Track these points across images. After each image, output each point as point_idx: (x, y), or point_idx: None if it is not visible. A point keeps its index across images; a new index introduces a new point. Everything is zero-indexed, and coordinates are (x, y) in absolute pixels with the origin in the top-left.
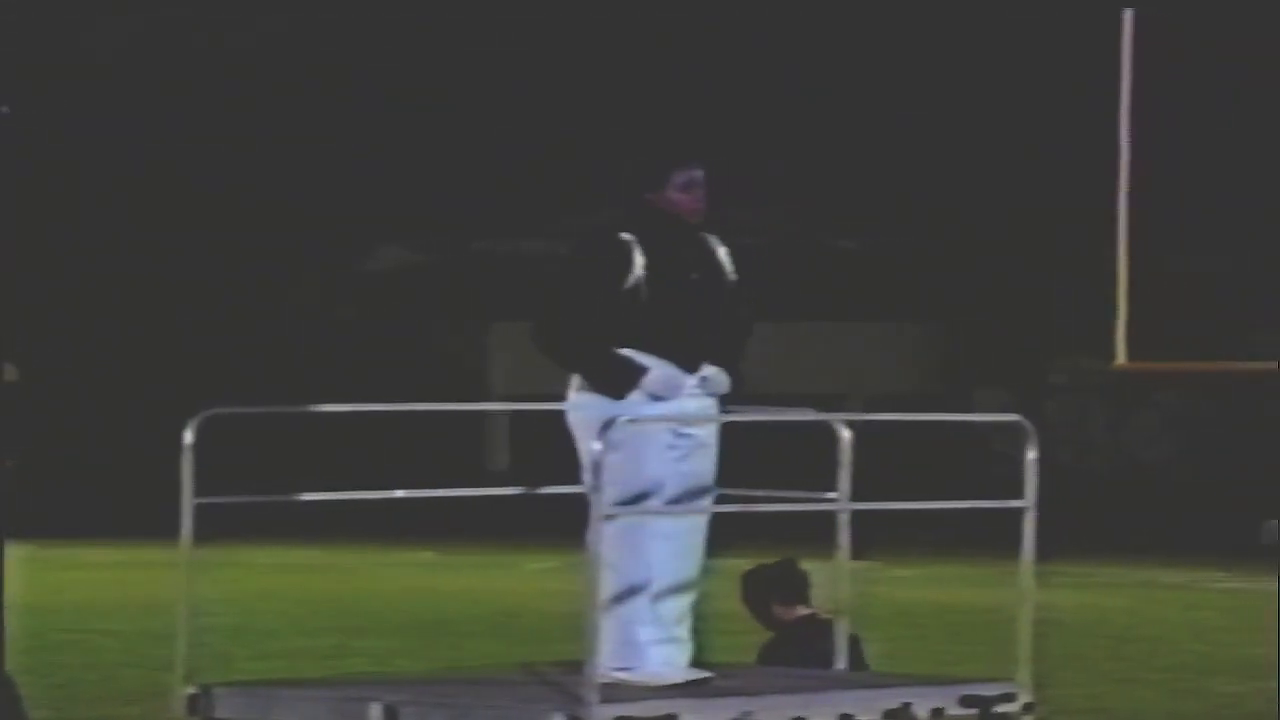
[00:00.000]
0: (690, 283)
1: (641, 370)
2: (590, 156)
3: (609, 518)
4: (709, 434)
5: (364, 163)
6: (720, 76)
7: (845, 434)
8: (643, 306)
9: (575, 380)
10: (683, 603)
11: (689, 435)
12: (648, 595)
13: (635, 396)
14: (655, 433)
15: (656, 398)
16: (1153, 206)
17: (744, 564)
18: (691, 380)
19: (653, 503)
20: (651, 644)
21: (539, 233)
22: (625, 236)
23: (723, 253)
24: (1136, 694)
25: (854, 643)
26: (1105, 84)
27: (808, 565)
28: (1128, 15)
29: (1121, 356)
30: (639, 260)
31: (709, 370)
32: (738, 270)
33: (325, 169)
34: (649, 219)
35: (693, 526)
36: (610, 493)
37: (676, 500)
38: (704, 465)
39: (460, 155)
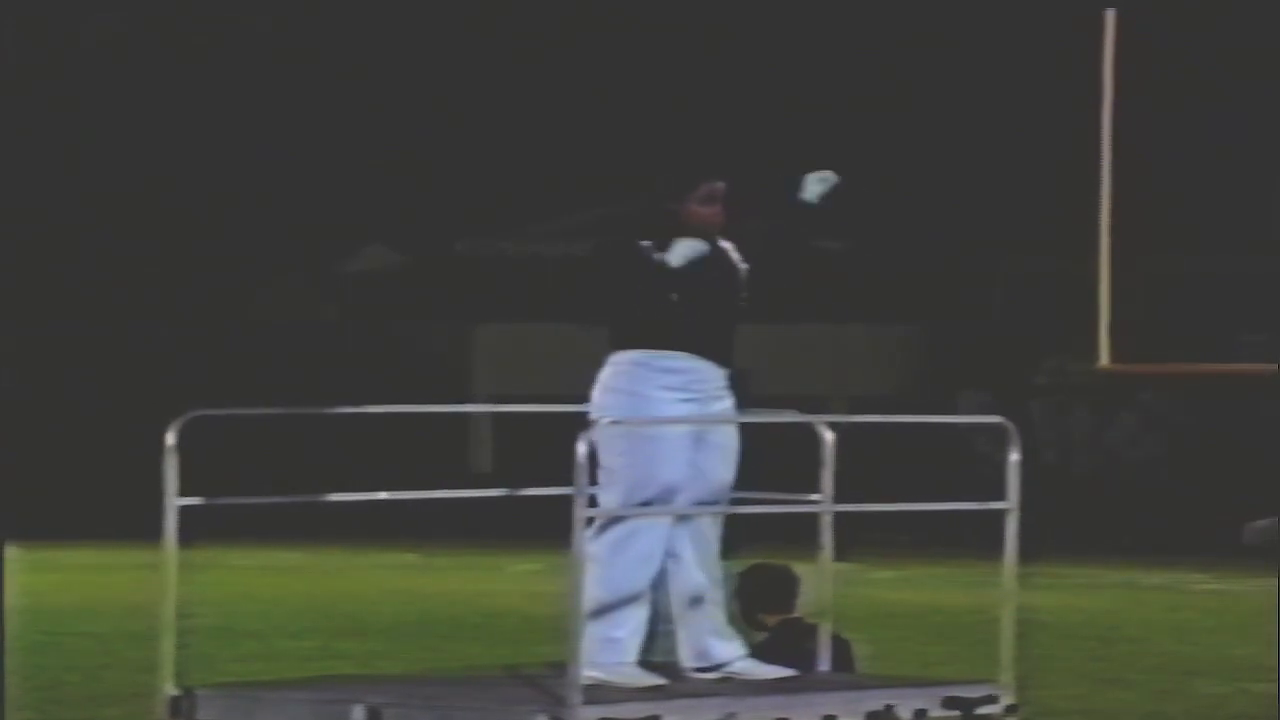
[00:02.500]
0: (712, 287)
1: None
2: (575, 160)
3: (590, 520)
4: (728, 437)
5: (348, 165)
6: (704, 80)
7: (828, 436)
8: (671, 306)
9: (602, 379)
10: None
11: (708, 440)
12: (638, 605)
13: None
14: (675, 435)
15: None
16: (1135, 208)
17: (732, 565)
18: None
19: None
20: (623, 641)
21: (522, 234)
22: (647, 243)
23: (734, 254)
24: (1119, 695)
25: (844, 646)
26: (1087, 84)
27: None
28: (1110, 15)
29: (1104, 358)
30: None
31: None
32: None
33: (309, 171)
34: (671, 227)
35: (703, 535)
36: (617, 495)
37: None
38: (724, 470)
39: (444, 157)
